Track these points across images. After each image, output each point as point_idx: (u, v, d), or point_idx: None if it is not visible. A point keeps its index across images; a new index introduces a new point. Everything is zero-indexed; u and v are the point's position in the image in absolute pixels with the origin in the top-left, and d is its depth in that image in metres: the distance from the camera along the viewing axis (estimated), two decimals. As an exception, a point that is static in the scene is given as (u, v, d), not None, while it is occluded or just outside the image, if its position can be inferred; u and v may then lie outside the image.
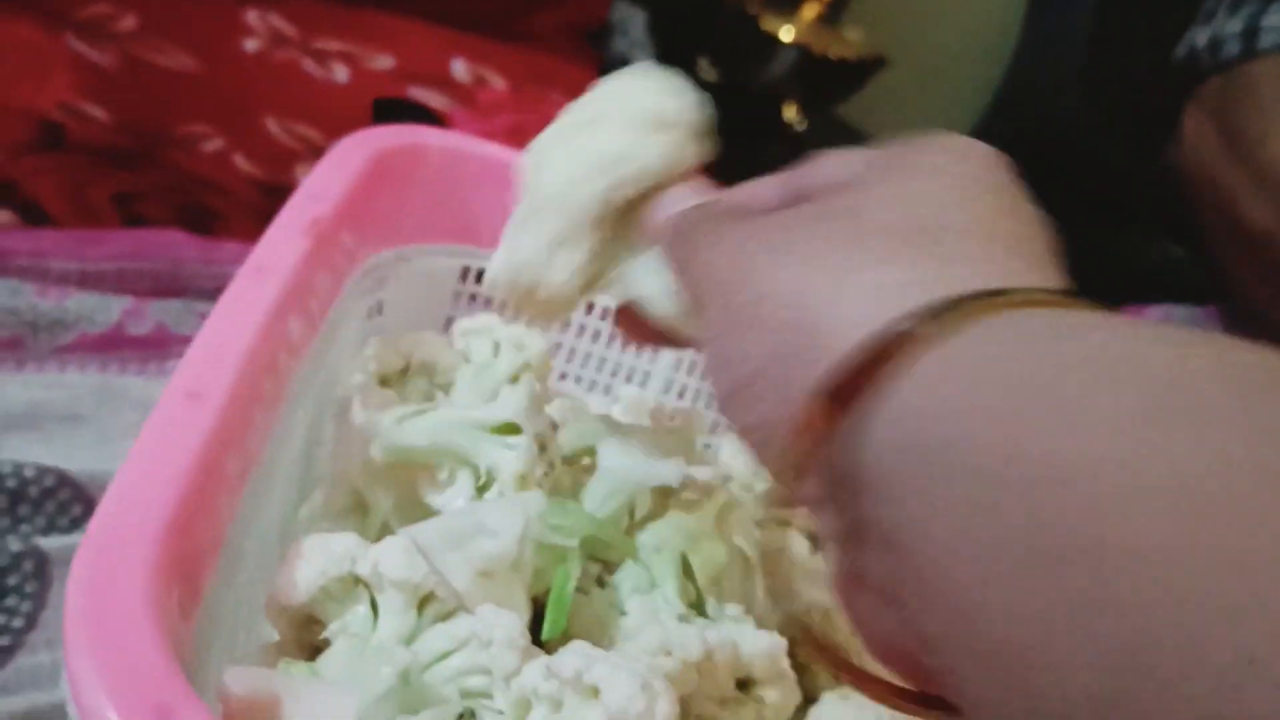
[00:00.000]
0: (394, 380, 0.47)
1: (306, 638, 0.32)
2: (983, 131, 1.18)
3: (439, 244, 0.51)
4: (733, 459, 0.47)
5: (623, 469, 0.39)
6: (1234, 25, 0.68)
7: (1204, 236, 0.69)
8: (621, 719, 0.27)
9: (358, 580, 0.31)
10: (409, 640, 0.30)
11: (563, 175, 0.34)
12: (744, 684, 0.40)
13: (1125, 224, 0.98)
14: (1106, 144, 0.86)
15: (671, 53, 1.37)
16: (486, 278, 0.36)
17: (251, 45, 0.80)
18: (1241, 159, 0.63)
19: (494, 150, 0.51)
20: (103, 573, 0.25)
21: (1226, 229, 0.65)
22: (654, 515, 0.40)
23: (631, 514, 0.41)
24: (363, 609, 0.31)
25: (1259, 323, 0.74)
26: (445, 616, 0.31)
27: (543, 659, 0.29)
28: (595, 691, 0.27)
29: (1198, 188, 0.68)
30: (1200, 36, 0.70)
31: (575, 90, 1.15)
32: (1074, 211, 0.92)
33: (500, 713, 0.29)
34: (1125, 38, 0.83)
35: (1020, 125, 1.05)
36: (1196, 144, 0.68)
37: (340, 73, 0.82)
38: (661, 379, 0.54)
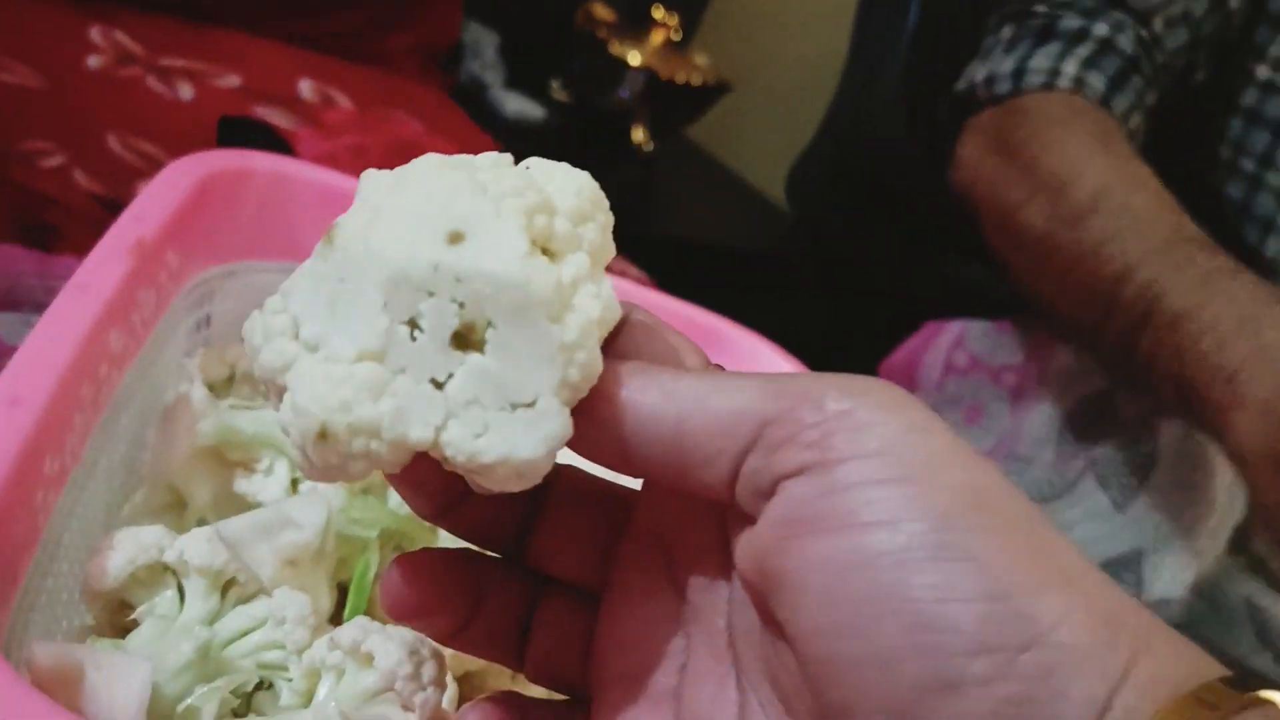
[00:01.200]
0: (220, 389, 0.50)
1: (118, 620, 0.35)
2: (813, 152, 1.25)
3: (266, 261, 0.54)
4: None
5: (422, 466, 0.42)
6: (1006, 65, 0.76)
7: (988, 245, 0.76)
8: (393, 680, 0.31)
9: (165, 568, 0.34)
10: (212, 620, 0.34)
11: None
12: (536, 660, 0.44)
13: (943, 244, 1.05)
14: (920, 167, 0.93)
15: (524, 75, 1.41)
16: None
17: (95, 62, 0.81)
18: (1021, 174, 0.71)
19: (319, 174, 0.55)
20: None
21: (1009, 236, 0.73)
22: (455, 509, 0.44)
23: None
24: (170, 593, 0.34)
25: (1050, 326, 0.81)
26: (247, 599, 0.35)
27: (328, 634, 0.33)
28: (370, 659, 0.31)
29: (977, 201, 0.75)
30: (979, 72, 0.78)
31: (424, 110, 1.17)
32: (896, 232, 0.99)
33: (291, 681, 0.33)
34: (937, 67, 0.90)
35: (845, 148, 1.12)
36: (975, 163, 0.75)
37: (185, 91, 0.84)
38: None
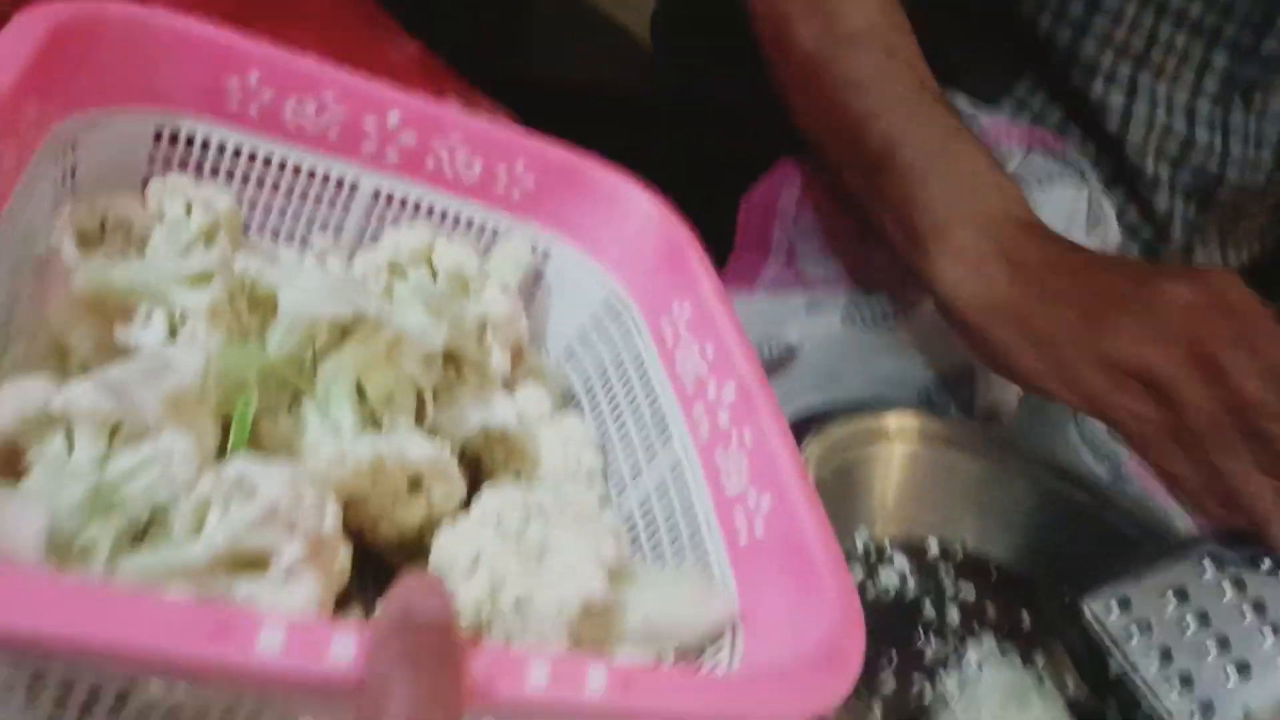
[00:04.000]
0: (92, 239, 0.50)
1: (10, 467, 0.36)
2: (662, 12, 1.23)
3: (130, 107, 0.53)
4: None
5: (297, 307, 0.44)
6: None
7: (769, 73, 0.77)
8: (275, 508, 0.33)
9: (52, 416, 0.36)
10: (101, 463, 0.36)
11: None
12: (416, 484, 0.47)
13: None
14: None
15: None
16: None
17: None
18: None
19: (175, 20, 0.53)
20: None
21: (780, 48, 0.74)
22: (332, 348, 0.46)
23: (314, 348, 0.47)
24: (59, 440, 0.36)
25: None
26: (134, 442, 0.37)
27: (213, 469, 0.35)
28: (253, 490, 0.34)
29: (761, 25, 0.76)
30: None
31: None
32: (754, 70, 1.00)
33: (182, 515, 0.35)
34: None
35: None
36: None
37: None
38: (355, 228, 0.59)
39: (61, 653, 0.27)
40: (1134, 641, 0.55)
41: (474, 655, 0.30)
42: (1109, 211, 0.74)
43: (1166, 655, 0.54)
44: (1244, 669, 0.53)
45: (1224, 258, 0.88)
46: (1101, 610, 0.56)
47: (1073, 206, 0.72)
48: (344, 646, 0.29)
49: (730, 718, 0.34)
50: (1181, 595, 0.56)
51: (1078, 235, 0.72)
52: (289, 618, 0.29)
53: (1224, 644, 0.54)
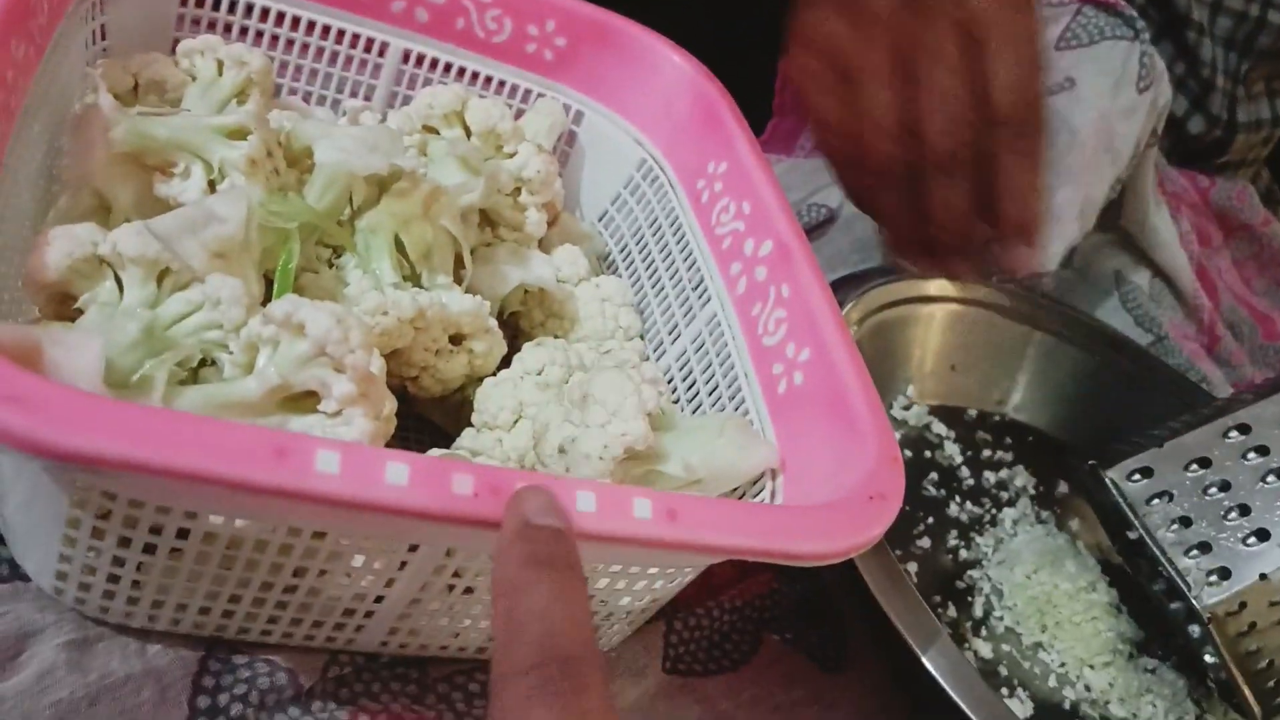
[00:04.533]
0: (126, 99, 0.50)
1: (63, 312, 0.38)
2: None
3: (156, -32, 0.53)
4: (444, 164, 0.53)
5: (335, 162, 0.45)
6: None
7: None
8: (324, 344, 0.34)
9: (102, 260, 0.37)
10: (152, 306, 0.37)
11: None
12: (457, 339, 0.48)
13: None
14: None
15: None
16: None
17: None
18: None
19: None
20: None
21: None
22: (370, 203, 0.47)
23: (351, 203, 0.47)
24: (109, 284, 0.37)
25: None
26: (182, 287, 0.38)
27: (261, 310, 0.36)
28: (302, 328, 0.35)
29: None
30: None
31: None
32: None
33: (232, 355, 0.36)
34: None
35: None
36: None
37: None
38: (384, 92, 0.59)
39: (126, 474, 0.29)
40: (1152, 508, 0.56)
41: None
42: (1162, 68, 0.72)
43: (1184, 522, 0.55)
44: (1263, 535, 0.54)
45: (1273, 111, 0.86)
46: (1120, 477, 0.57)
47: (1125, 63, 0.70)
48: (399, 472, 0.30)
49: (772, 549, 0.36)
50: (1204, 463, 0.56)
51: (1128, 93, 0.71)
52: (344, 444, 0.30)
53: (1244, 510, 0.55)
